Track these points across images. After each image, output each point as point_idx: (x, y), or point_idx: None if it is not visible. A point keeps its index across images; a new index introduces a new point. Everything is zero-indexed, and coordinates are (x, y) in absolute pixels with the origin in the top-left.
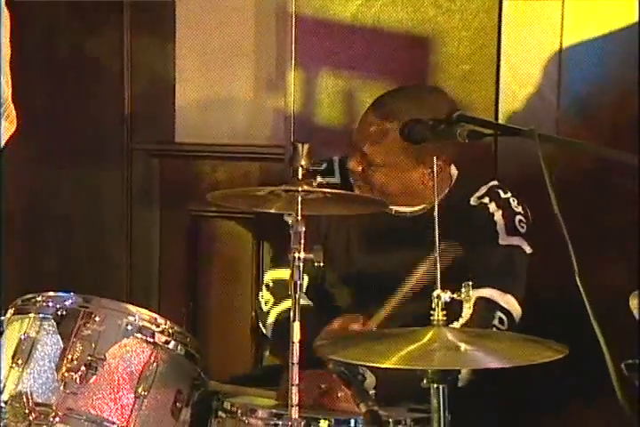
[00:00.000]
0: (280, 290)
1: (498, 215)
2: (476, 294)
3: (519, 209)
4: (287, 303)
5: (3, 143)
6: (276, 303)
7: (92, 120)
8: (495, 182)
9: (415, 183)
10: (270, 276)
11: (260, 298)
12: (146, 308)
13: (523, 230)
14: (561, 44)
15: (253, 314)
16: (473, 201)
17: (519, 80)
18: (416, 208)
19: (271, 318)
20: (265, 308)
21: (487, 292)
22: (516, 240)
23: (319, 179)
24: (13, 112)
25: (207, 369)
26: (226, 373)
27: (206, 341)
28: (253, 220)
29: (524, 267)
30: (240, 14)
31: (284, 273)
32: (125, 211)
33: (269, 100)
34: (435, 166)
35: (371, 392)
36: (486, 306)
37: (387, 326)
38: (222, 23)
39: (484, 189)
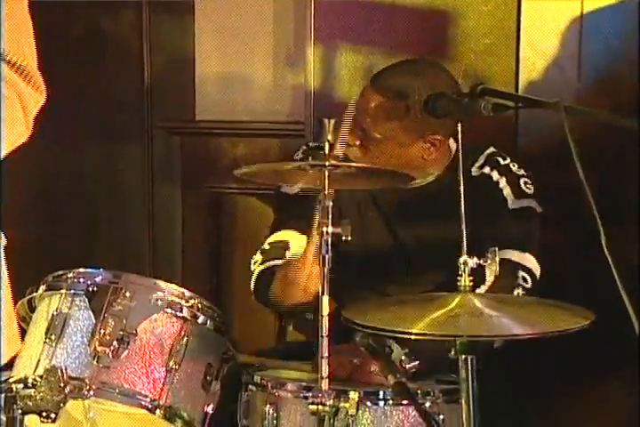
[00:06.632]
0: (272, 251)
1: (502, 182)
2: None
3: (521, 172)
4: (271, 263)
5: (33, 114)
6: (262, 262)
7: (111, 98)
8: (492, 149)
9: (414, 158)
10: (270, 239)
11: (252, 259)
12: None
13: (530, 191)
14: (581, 13)
15: None
16: (474, 172)
17: (539, 52)
18: (418, 181)
19: (254, 276)
20: (252, 267)
21: (507, 254)
22: (525, 202)
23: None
24: (42, 82)
25: (233, 344)
26: (250, 347)
27: (230, 316)
28: (273, 195)
29: (537, 225)
30: None
31: (281, 235)
32: (147, 188)
33: (289, 77)
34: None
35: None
36: (508, 267)
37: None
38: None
39: (482, 159)
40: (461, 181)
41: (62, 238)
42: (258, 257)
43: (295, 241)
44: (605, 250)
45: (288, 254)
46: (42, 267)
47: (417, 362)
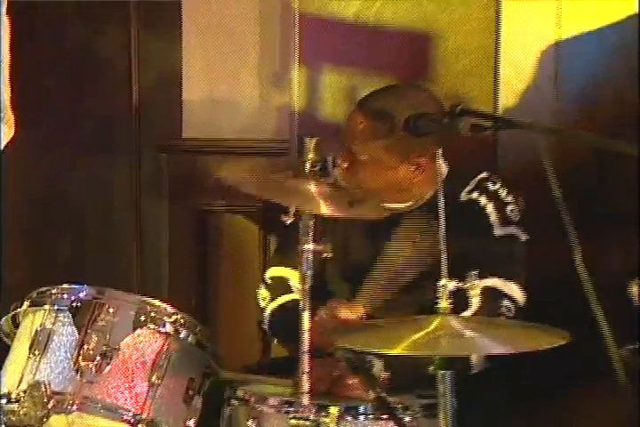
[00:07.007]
0: (277, 287)
1: (490, 208)
2: (480, 284)
3: (509, 199)
4: (282, 299)
5: (2, 146)
6: (272, 300)
7: (100, 116)
8: (484, 175)
9: (401, 180)
10: (270, 273)
11: (258, 295)
12: (156, 299)
13: (516, 219)
14: (559, 36)
15: None
16: (463, 197)
17: (518, 74)
18: (405, 204)
19: (267, 314)
20: (262, 304)
21: (491, 282)
22: (510, 229)
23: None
24: (12, 117)
25: (217, 359)
26: (234, 363)
27: (215, 331)
28: (258, 213)
29: (522, 254)
30: (245, 11)
31: (282, 271)
32: (134, 205)
33: (274, 96)
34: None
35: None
36: (492, 296)
37: (388, 315)
38: (227, 20)
39: (472, 184)
40: (441, 200)
41: (50, 254)
42: (264, 293)
43: (292, 276)
44: (580, 267)
45: (292, 288)
46: (30, 281)
47: (388, 373)
